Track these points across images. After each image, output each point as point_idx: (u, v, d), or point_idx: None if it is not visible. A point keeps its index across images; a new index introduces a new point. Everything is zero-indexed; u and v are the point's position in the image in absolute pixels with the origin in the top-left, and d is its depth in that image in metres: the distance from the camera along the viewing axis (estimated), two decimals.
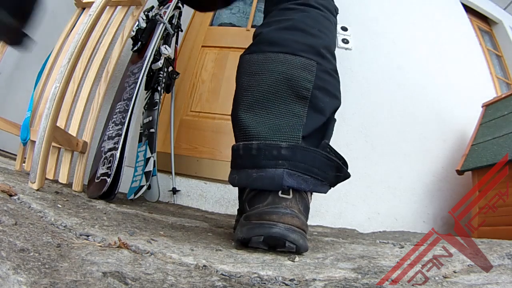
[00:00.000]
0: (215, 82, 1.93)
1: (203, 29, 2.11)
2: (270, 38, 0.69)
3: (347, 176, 0.70)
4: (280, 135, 0.62)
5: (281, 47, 0.66)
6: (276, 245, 0.60)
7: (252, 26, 2.10)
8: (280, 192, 0.60)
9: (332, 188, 0.71)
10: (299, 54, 0.65)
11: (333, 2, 0.82)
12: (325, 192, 0.68)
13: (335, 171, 0.66)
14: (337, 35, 2.01)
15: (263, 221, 0.58)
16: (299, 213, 0.59)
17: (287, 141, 0.61)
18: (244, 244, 0.63)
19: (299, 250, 0.60)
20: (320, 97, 0.66)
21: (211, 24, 2.16)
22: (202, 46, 2.05)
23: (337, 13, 0.82)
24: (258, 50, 0.69)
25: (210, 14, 2.16)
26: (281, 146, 0.60)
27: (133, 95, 1.22)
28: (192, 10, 2.11)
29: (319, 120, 0.66)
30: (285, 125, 0.63)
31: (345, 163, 0.68)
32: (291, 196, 0.60)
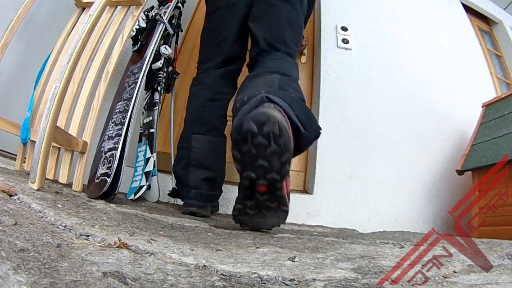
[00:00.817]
0: None
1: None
2: (250, 74, 1.14)
3: (317, 126, 0.94)
4: (262, 90, 0.88)
5: (257, 74, 1.08)
6: (263, 122, 0.71)
7: None
8: (265, 103, 0.80)
9: (307, 135, 0.87)
10: (267, 74, 1.04)
11: (295, 50, 1.25)
12: (297, 126, 0.84)
13: (301, 108, 0.89)
14: (337, 35, 2.01)
15: (252, 107, 0.77)
16: (278, 115, 0.75)
17: (266, 90, 0.88)
18: (238, 129, 0.74)
19: (281, 129, 0.71)
20: (286, 87, 0.96)
21: None
22: None
23: (294, 57, 1.25)
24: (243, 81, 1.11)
25: None
26: (261, 92, 0.86)
27: (133, 95, 1.22)
28: (192, 10, 2.11)
29: (286, 93, 0.91)
30: (264, 89, 0.92)
31: (313, 116, 0.96)
32: (272, 108, 0.76)
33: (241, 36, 1.33)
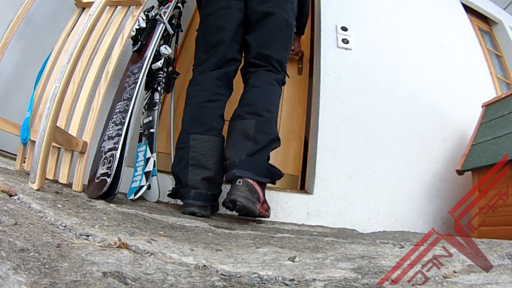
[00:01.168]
0: None
1: None
2: (234, 112, 1.33)
3: (278, 173, 1.26)
4: (237, 156, 1.19)
5: (239, 116, 1.28)
6: (234, 204, 1.11)
7: None
8: (237, 181, 1.14)
9: (271, 181, 1.26)
10: (246, 118, 1.26)
11: (282, 75, 1.41)
12: (263, 182, 1.21)
13: (264, 167, 1.21)
14: (337, 35, 2.01)
15: (229, 195, 1.14)
16: (246, 191, 1.12)
17: (239, 158, 1.18)
18: (224, 204, 1.17)
19: (245, 206, 1.10)
20: (258, 136, 1.22)
21: None
22: None
23: (283, 83, 1.43)
24: (230, 119, 1.33)
25: None
26: (235, 161, 1.18)
27: (133, 95, 1.22)
28: (192, 10, 2.11)
29: (256, 147, 1.21)
30: (240, 151, 1.20)
31: (273, 166, 1.25)
32: (242, 184, 1.13)
33: (236, 39, 1.39)
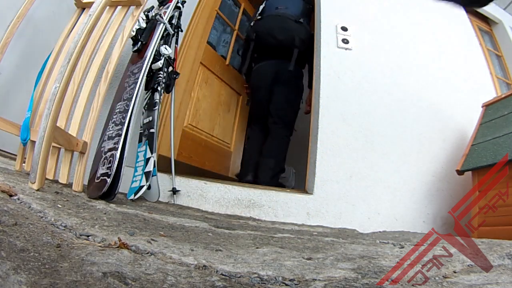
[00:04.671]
0: (205, 103, 2.20)
1: (202, 44, 2.17)
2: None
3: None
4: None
5: (263, 155, 2.18)
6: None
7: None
8: None
9: None
10: (265, 159, 2.06)
11: (289, 117, 2.21)
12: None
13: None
14: (337, 35, 2.01)
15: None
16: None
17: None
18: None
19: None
20: (277, 170, 2.05)
21: (207, 42, 2.24)
22: (200, 63, 2.15)
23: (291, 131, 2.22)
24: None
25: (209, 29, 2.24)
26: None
27: (133, 95, 1.22)
28: (192, 10, 2.11)
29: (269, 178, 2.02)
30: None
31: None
32: None
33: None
